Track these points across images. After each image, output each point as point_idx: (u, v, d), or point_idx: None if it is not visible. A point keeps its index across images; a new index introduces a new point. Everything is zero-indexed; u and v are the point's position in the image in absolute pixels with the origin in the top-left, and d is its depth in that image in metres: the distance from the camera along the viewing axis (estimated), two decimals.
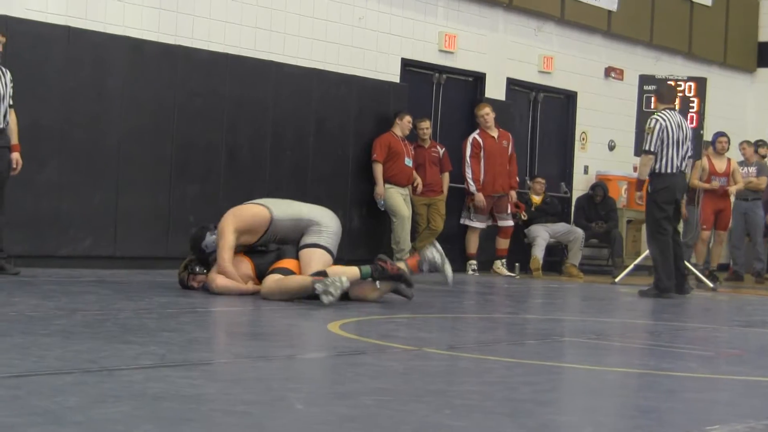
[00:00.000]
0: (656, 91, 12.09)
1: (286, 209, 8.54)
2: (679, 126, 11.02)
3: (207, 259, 8.56)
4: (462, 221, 14.33)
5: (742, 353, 6.81)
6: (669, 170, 10.94)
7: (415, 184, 13.59)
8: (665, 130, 10.89)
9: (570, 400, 4.66)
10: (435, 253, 8.42)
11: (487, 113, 14.26)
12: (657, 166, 10.94)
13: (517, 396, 4.41)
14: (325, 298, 7.67)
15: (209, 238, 8.52)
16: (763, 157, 15.67)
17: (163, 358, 4.93)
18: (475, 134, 14.31)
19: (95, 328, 5.92)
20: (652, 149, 10.91)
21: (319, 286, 7.70)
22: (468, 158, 14.18)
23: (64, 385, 4.06)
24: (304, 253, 8.36)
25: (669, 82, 13.46)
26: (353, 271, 8.14)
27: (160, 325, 6.44)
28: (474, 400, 4.27)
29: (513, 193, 14.49)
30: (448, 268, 8.47)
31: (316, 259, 8.28)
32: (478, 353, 5.85)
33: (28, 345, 5.05)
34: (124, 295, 7.99)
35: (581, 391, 4.87)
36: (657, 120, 11.01)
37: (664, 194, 10.96)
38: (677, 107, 11.86)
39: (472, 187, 14.15)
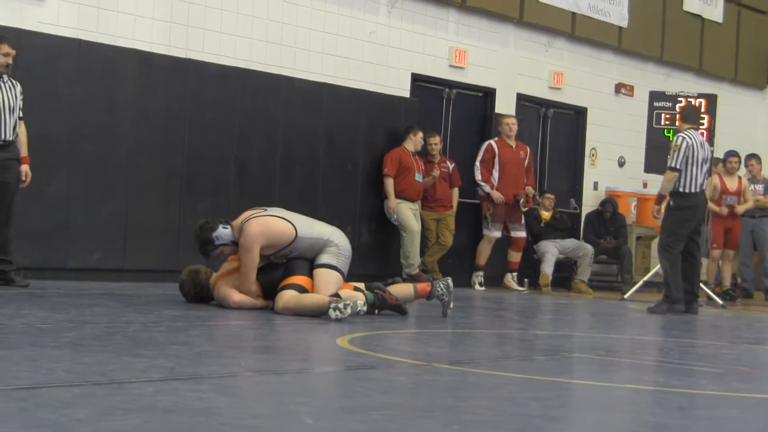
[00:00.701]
0: (681, 111, 12.09)
1: (308, 228, 8.56)
2: (702, 146, 11.18)
3: (209, 251, 8.57)
4: (484, 232, 14.31)
5: (752, 370, 6.79)
6: (693, 189, 11.06)
7: (434, 174, 13.63)
8: (691, 149, 11.01)
9: (580, 416, 4.64)
10: (445, 291, 8.75)
11: (513, 123, 14.32)
12: (681, 185, 11.03)
13: (527, 412, 4.40)
14: (333, 314, 7.71)
15: (221, 230, 8.51)
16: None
17: (172, 371, 4.92)
18: (492, 141, 14.34)
19: (104, 341, 5.92)
20: (678, 166, 10.98)
21: (333, 305, 7.79)
22: (478, 162, 14.19)
23: (73, 398, 4.05)
24: (322, 272, 8.38)
25: (690, 100, 13.48)
26: (360, 297, 8.29)
27: (169, 338, 6.44)
28: (483, 415, 4.26)
29: (529, 188, 14.47)
30: (449, 309, 8.82)
31: (333, 281, 8.38)
32: (487, 368, 5.84)
33: (38, 357, 5.05)
34: (133, 308, 7.98)
35: (591, 407, 4.85)
36: (684, 138, 11.11)
37: (688, 213, 11.11)
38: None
39: (486, 188, 14.14)
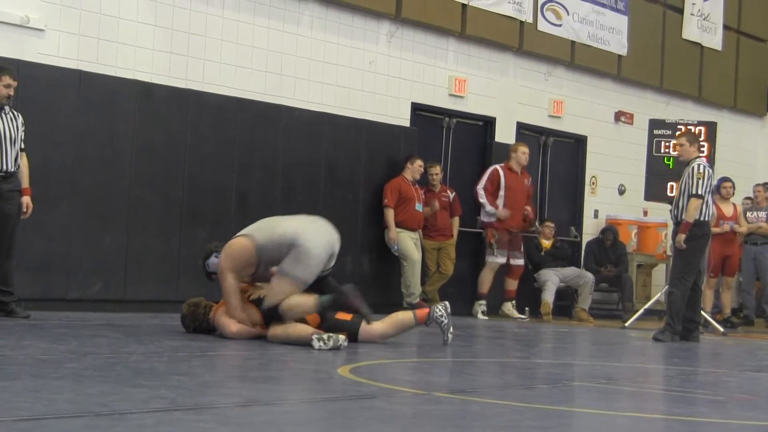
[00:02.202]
0: (687, 135, 11.89)
1: (269, 232, 8.40)
2: (710, 176, 11.26)
3: (211, 279, 8.76)
4: (487, 258, 14.30)
5: (754, 398, 6.78)
6: (707, 218, 11.10)
7: (433, 206, 13.64)
8: (710, 179, 11.09)
9: None
10: (444, 313, 8.66)
11: (526, 152, 14.35)
12: (698, 214, 11.02)
13: None
14: (317, 344, 7.87)
15: (213, 259, 8.68)
16: None
17: (173, 401, 4.92)
18: (498, 166, 14.35)
19: (106, 372, 5.91)
20: (703, 193, 11.00)
21: (316, 336, 7.92)
22: (482, 187, 14.18)
23: (75, 429, 4.05)
24: (274, 279, 8.34)
25: (690, 128, 13.50)
26: (312, 300, 8.23)
27: (170, 369, 6.43)
28: None
29: (529, 208, 14.48)
30: (449, 333, 8.74)
31: (283, 291, 8.21)
32: (488, 397, 5.83)
33: (39, 388, 5.04)
34: (134, 339, 7.98)
35: None
36: (706, 167, 11.17)
37: (703, 242, 11.16)
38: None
39: (489, 208, 14.13)
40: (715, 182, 11.45)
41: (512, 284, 14.57)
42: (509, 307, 14.55)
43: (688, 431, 4.96)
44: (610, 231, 15.80)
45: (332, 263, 8.52)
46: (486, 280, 14.31)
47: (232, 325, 8.35)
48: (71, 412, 4.40)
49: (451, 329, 8.77)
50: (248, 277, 8.59)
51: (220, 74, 12.08)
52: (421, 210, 13.57)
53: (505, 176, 14.26)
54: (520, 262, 14.54)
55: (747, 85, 19.39)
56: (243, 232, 8.60)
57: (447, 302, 8.89)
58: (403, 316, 8.79)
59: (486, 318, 14.07)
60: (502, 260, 14.29)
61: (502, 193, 14.21)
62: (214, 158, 11.76)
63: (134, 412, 4.49)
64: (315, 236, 8.36)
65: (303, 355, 7.47)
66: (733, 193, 15.07)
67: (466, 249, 14.45)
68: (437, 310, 8.65)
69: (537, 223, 15.13)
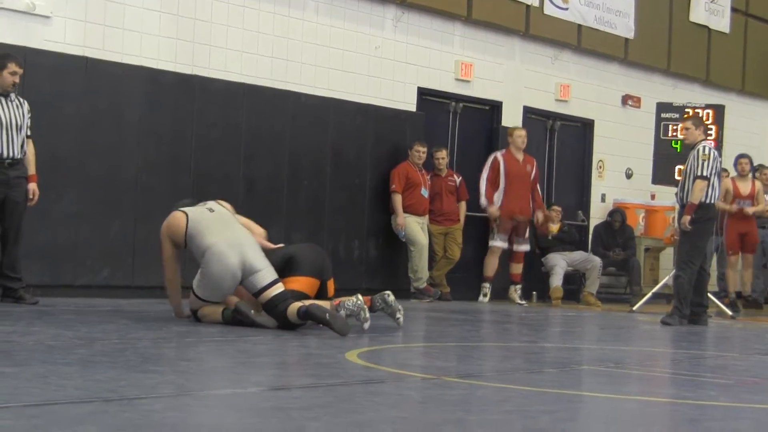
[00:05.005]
0: (693, 120, 11.85)
1: (199, 229, 8.26)
2: (717, 157, 11.26)
3: None
4: (490, 242, 14.30)
5: (762, 381, 6.77)
6: (713, 201, 11.11)
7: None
8: (716, 161, 11.05)
9: (590, 429, 4.63)
10: (356, 303, 8.11)
11: (523, 135, 14.29)
12: (704, 196, 11.00)
13: (537, 425, 4.39)
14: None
15: None
16: None
17: (182, 387, 4.93)
18: (498, 153, 14.32)
19: (114, 358, 5.92)
20: (708, 175, 10.98)
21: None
22: (485, 176, 14.17)
23: (84, 415, 4.06)
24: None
25: (697, 111, 13.48)
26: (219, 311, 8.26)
27: (178, 355, 6.45)
28: (493, 428, 4.26)
29: (539, 214, 14.47)
30: (398, 317, 8.51)
31: (192, 301, 8.38)
32: (496, 382, 5.83)
33: (48, 374, 5.05)
34: (142, 325, 7.99)
35: (601, 420, 4.84)
36: (711, 149, 11.18)
37: (709, 225, 11.17)
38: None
39: (482, 201, 14.11)
40: (720, 165, 11.39)
41: (516, 268, 14.54)
42: (513, 292, 14.54)
43: (696, 415, 4.96)
44: (618, 213, 15.79)
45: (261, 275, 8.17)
46: (490, 263, 14.29)
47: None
48: (80, 398, 4.40)
49: (399, 315, 8.51)
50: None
51: (226, 60, 12.07)
52: (427, 195, 13.56)
53: (505, 163, 14.21)
54: (524, 247, 14.49)
55: (755, 67, 19.32)
56: (190, 211, 8.42)
57: (388, 292, 8.61)
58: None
59: (487, 301, 14.05)
60: (503, 245, 14.27)
61: (502, 180, 14.16)
62: (220, 144, 11.76)
63: (143, 398, 4.49)
64: (221, 260, 8.12)
65: (311, 341, 7.48)
66: (749, 170, 14.99)
67: (473, 233, 14.44)
68: (348, 303, 8.08)
69: (546, 216, 15.08)
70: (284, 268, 8.45)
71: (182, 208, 8.49)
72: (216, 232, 8.23)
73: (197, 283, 8.28)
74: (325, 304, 8.07)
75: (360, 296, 8.15)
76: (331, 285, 8.72)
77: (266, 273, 8.12)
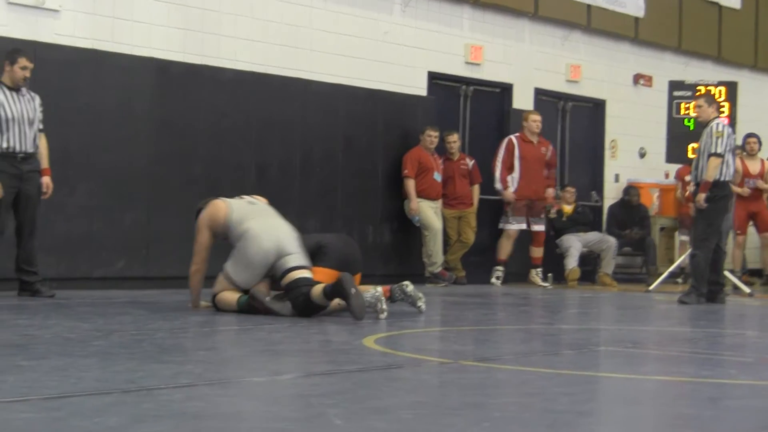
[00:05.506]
0: (706, 97, 11.81)
1: (239, 214, 8.45)
2: (729, 135, 11.21)
3: None
4: (500, 226, 14.28)
5: None
6: (728, 178, 11.08)
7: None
8: (730, 137, 11.02)
9: (609, 410, 4.62)
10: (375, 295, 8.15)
11: (537, 120, 14.26)
12: (718, 174, 10.96)
13: (556, 407, 4.38)
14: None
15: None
16: None
17: (200, 376, 4.93)
18: (512, 136, 14.29)
19: (132, 349, 5.93)
20: (722, 153, 10.95)
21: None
22: (499, 160, 14.14)
23: (103, 406, 4.06)
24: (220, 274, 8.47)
25: (710, 89, 13.43)
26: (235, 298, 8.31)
27: (196, 344, 6.45)
28: (512, 412, 4.25)
29: (550, 191, 14.45)
30: (420, 305, 8.52)
31: (218, 282, 8.42)
32: (514, 365, 5.82)
33: (66, 367, 5.06)
34: (159, 315, 8.00)
35: (620, 400, 4.83)
36: (725, 126, 11.16)
37: (724, 203, 11.12)
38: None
39: (497, 186, 14.08)
40: (734, 142, 11.36)
41: (537, 251, 14.53)
42: (534, 275, 14.52)
43: (716, 394, 4.95)
44: (633, 189, 15.76)
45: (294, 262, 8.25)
46: (503, 247, 14.27)
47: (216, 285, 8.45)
48: (99, 390, 4.41)
49: (419, 303, 8.51)
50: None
51: (235, 49, 12.05)
52: (439, 179, 13.54)
53: (519, 146, 14.18)
54: (540, 227, 14.47)
55: (767, 43, 19.22)
56: (230, 200, 8.65)
57: (406, 282, 8.65)
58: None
59: (500, 284, 14.03)
60: (517, 227, 14.24)
61: (517, 163, 14.14)
62: (231, 133, 11.76)
63: (162, 388, 4.50)
64: (257, 242, 8.26)
65: (328, 327, 7.48)
66: (759, 149, 14.94)
67: (487, 217, 14.42)
68: (366, 294, 8.08)
69: (559, 191, 15.05)
70: (313, 255, 8.48)
71: (222, 198, 8.61)
72: (256, 218, 8.43)
73: (231, 262, 8.33)
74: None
75: (379, 288, 8.19)
76: (357, 280, 8.69)
77: (297, 257, 8.24)
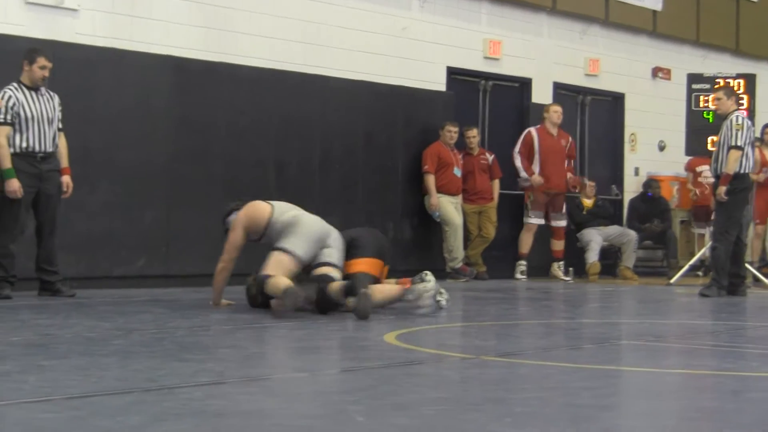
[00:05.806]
0: (725, 90, 11.78)
1: (281, 213, 8.51)
2: (749, 128, 11.20)
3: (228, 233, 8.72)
4: (525, 220, 14.25)
5: None
6: (748, 170, 11.06)
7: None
8: (749, 130, 11.00)
9: (631, 403, 4.61)
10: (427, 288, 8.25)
11: (559, 111, 14.24)
12: (738, 166, 10.93)
13: (578, 401, 4.37)
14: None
15: (233, 216, 8.68)
16: None
17: (221, 374, 4.94)
18: (532, 128, 14.26)
19: (153, 347, 5.94)
20: (743, 145, 10.93)
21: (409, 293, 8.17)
22: (517, 150, 14.11)
23: (124, 405, 4.07)
24: (274, 254, 8.29)
25: (728, 81, 13.37)
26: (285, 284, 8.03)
27: (216, 342, 6.46)
28: (534, 407, 4.24)
29: (570, 175, 14.42)
30: (440, 299, 8.45)
31: (273, 261, 8.19)
32: (536, 359, 5.81)
33: (87, 366, 5.07)
34: (179, 314, 8.01)
35: (642, 394, 4.81)
36: (744, 119, 11.14)
37: (744, 195, 11.14)
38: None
39: (522, 173, 14.05)
40: (753, 134, 11.33)
41: (558, 245, 14.51)
42: (556, 269, 14.49)
43: (739, 386, 4.92)
44: (654, 182, 15.72)
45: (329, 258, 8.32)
46: (525, 241, 14.25)
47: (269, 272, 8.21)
48: (120, 389, 4.42)
49: (442, 300, 8.47)
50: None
51: (253, 46, 12.05)
52: (459, 174, 13.52)
53: (539, 138, 14.16)
54: (561, 223, 14.46)
55: None
56: (272, 202, 8.73)
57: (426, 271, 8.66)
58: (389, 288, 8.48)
59: (525, 279, 14.03)
60: (538, 221, 14.22)
61: (537, 155, 14.11)
62: (251, 131, 11.76)
63: (182, 386, 4.50)
64: (312, 223, 8.45)
65: (349, 324, 7.48)
66: None
67: (507, 211, 14.39)
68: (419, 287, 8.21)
69: (582, 183, 15.01)
70: (348, 250, 8.48)
71: (260, 200, 8.66)
72: (301, 210, 8.60)
73: (286, 240, 8.21)
74: (391, 287, 8.31)
75: (432, 280, 8.36)
76: (385, 272, 8.69)
77: (334, 252, 8.29)
